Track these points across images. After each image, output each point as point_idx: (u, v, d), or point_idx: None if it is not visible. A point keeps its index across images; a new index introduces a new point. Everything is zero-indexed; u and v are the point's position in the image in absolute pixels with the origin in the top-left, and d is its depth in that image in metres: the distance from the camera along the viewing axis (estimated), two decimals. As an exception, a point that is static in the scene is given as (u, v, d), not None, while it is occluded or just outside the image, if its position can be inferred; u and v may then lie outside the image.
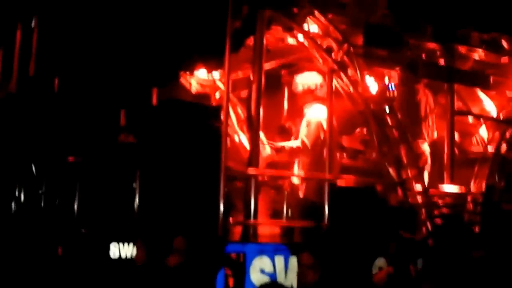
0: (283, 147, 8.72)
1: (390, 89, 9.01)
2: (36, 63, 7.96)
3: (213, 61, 8.83)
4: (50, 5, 7.98)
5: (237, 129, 10.25)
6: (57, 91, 7.91)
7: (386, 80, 9.19)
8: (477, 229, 8.85)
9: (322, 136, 8.36)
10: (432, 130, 9.32)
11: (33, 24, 7.93)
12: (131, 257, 7.14)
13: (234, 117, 9.92)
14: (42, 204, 7.40)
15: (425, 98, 9.28)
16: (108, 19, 8.02)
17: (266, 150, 9.28)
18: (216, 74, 10.21)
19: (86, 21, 8.05)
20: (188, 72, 10.01)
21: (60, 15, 8.05)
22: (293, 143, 8.64)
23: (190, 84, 10.44)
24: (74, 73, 8.28)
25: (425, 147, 9.09)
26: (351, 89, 8.17)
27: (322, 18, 8.16)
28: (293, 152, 8.58)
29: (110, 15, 7.97)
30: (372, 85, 8.34)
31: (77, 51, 8.36)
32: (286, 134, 9.39)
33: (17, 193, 7.61)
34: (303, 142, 8.50)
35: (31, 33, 7.99)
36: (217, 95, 10.50)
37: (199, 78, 10.41)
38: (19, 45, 8.27)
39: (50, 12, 8.02)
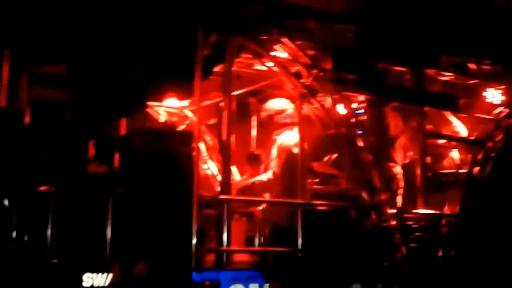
0: (254, 182, 9.04)
1: (359, 113, 9.46)
2: (7, 95, 8.25)
3: (182, 89, 9.15)
4: (22, 37, 8.28)
5: (206, 157, 10.63)
6: (28, 122, 8.20)
7: (355, 105, 9.65)
8: (452, 252, 9.22)
9: (292, 161, 8.61)
10: (403, 153, 9.75)
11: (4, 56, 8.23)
12: (104, 286, 7.40)
13: (202, 145, 10.27)
14: (14, 236, 7.65)
15: (394, 120, 9.70)
16: (77, 50, 8.32)
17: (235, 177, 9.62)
18: (184, 103, 10.58)
19: (57, 52, 8.35)
20: (156, 102, 10.38)
21: (31, 46, 8.35)
22: (264, 176, 8.96)
23: (158, 113, 10.82)
24: (44, 103, 8.59)
25: (397, 170, 9.49)
26: (322, 113, 8.52)
27: (290, 44, 8.48)
28: (265, 185, 8.88)
29: (79, 45, 8.27)
30: (341, 109, 8.75)
31: (47, 82, 8.67)
32: (256, 161, 9.74)
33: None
34: (274, 171, 8.79)
35: (1, 65, 8.28)
36: (185, 123, 10.88)
37: (167, 107, 10.78)
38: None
39: (22, 43, 8.32)
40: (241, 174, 10.02)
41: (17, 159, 7.77)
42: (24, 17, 8.27)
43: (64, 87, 8.67)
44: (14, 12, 8.23)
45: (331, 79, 8.67)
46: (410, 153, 9.81)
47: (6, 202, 7.59)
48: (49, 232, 7.61)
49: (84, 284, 7.38)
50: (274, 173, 8.80)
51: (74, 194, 7.82)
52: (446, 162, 10.41)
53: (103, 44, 8.34)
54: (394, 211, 8.78)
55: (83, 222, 7.74)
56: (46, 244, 7.60)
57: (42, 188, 7.75)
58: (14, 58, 8.30)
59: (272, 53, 8.52)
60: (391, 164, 9.39)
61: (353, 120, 8.76)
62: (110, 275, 7.15)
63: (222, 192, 7.90)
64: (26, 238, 7.65)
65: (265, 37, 8.41)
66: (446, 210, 9.69)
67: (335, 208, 8.64)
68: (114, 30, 8.21)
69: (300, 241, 8.15)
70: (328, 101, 8.56)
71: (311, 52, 8.74)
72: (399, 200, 9.25)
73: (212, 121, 10.08)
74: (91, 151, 9.27)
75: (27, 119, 8.20)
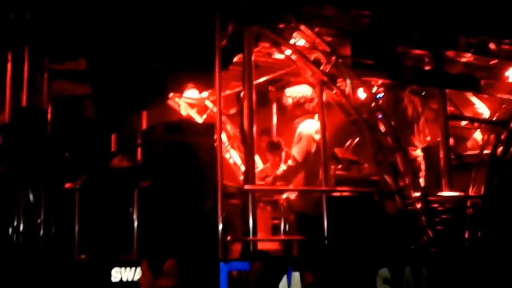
0: (275, 175, 9.12)
1: (379, 97, 9.49)
2: (28, 93, 8.38)
3: (202, 81, 9.22)
4: (41, 35, 8.39)
5: (228, 146, 10.75)
6: (50, 119, 8.32)
7: (374, 89, 9.68)
8: (479, 233, 9.26)
9: (313, 149, 8.75)
10: (423, 136, 9.80)
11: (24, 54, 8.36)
12: (133, 281, 7.53)
13: (224, 134, 10.37)
14: (41, 233, 7.79)
15: (412, 104, 9.76)
16: (96, 44, 8.41)
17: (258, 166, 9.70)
18: (204, 94, 10.69)
19: (76, 46, 8.46)
20: (176, 94, 10.48)
21: (50, 42, 8.46)
22: (283, 167, 9.06)
23: (179, 105, 10.94)
24: (65, 99, 8.71)
25: (417, 153, 9.55)
26: (342, 99, 8.55)
27: (308, 32, 8.50)
28: (286, 175, 8.95)
29: (98, 40, 8.36)
30: (361, 94, 8.79)
31: (67, 77, 8.79)
32: (276, 149, 9.84)
33: (15, 223, 7.97)
34: (294, 157, 8.88)
35: (22, 63, 8.40)
36: (205, 115, 11.00)
37: (188, 99, 10.90)
38: (11, 76, 8.70)
39: (41, 41, 8.43)
40: (263, 162, 10.12)
41: (42, 157, 7.90)
42: (42, 12, 8.37)
43: (84, 82, 8.77)
44: (32, 8, 8.35)
45: (350, 65, 8.68)
46: (429, 137, 9.85)
47: (32, 199, 7.74)
48: (76, 228, 7.74)
49: (113, 279, 7.52)
50: (294, 159, 8.86)
51: (99, 189, 7.94)
52: (469, 144, 10.43)
53: (122, 38, 8.42)
54: (418, 194, 8.78)
55: (110, 216, 7.86)
56: (73, 240, 7.73)
57: (68, 185, 7.88)
58: (33, 55, 8.41)
59: (290, 41, 8.55)
60: (411, 147, 9.41)
61: (374, 104, 8.74)
62: (139, 270, 7.26)
63: (246, 181, 7.99)
64: (53, 234, 7.80)
65: (283, 25, 8.44)
66: (471, 191, 9.72)
67: (360, 194, 8.71)
68: (133, 23, 8.28)
69: (325, 227, 8.21)
70: (348, 87, 8.59)
71: (329, 39, 8.77)
72: (421, 183, 9.26)
73: (233, 110, 10.17)
74: (114, 146, 9.40)
75: (49, 116, 8.33)
